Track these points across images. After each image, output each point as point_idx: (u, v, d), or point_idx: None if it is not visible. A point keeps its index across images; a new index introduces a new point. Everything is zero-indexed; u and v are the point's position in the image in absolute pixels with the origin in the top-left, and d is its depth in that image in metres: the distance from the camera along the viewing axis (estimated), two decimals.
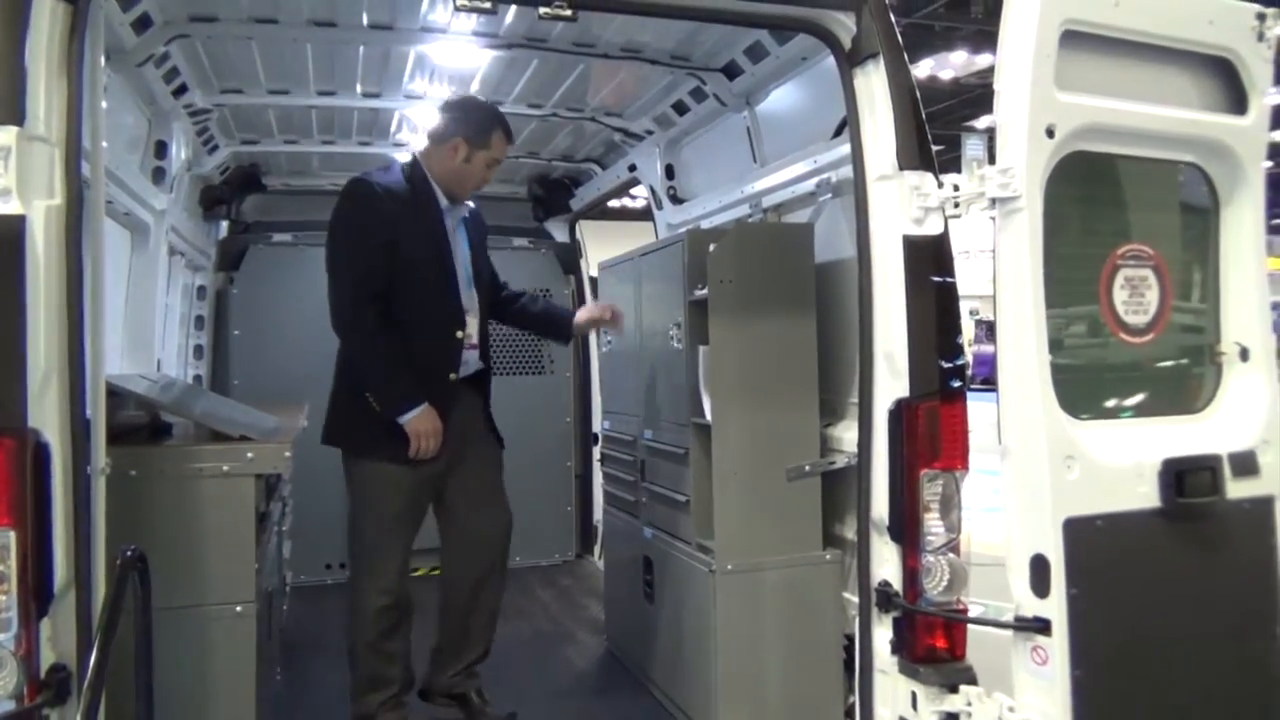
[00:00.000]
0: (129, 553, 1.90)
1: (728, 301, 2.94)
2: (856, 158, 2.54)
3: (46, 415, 1.94)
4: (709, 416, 2.99)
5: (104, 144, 2.66)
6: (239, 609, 2.53)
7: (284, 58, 3.53)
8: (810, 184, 3.17)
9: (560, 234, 6.00)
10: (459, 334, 3.07)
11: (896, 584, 2.51)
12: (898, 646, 2.49)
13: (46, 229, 1.95)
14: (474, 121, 3.10)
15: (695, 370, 3.06)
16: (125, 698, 2.29)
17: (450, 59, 3.61)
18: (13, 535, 1.87)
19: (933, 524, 2.51)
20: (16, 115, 1.91)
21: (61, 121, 2.00)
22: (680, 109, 3.97)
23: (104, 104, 2.38)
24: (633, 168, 4.63)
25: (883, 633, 2.53)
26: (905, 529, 2.48)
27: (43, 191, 1.95)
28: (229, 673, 2.52)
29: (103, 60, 2.62)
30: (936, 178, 2.44)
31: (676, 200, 4.38)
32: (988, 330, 19.21)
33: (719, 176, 3.97)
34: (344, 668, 3.96)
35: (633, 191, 5.39)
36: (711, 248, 2.98)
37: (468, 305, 3.15)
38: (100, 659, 1.72)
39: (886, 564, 2.53)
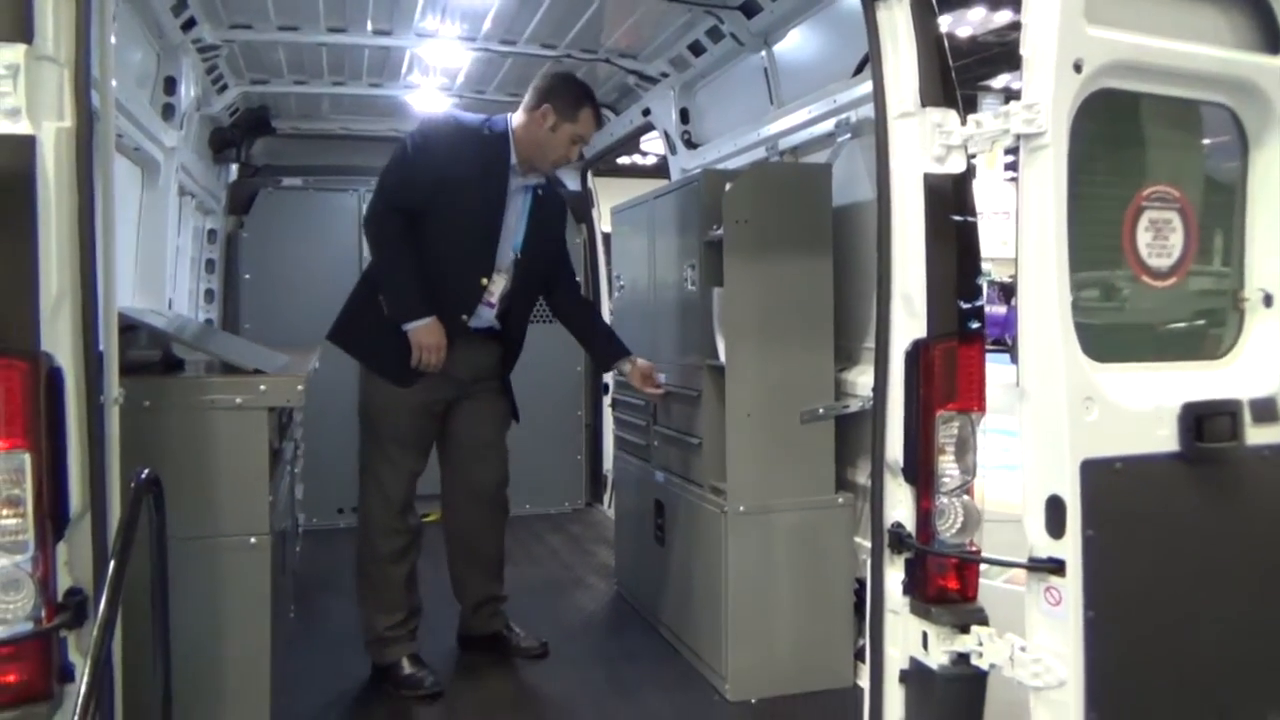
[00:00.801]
0: (143, 476, 1.88)
1: (743, 242, 2.91)
2: (878, 94, 2.48)
3: (59, 340, 1.92)
4: (723, 358, 2.97)
5: (113, 78, 2.63)
6: (253, 540, 2.54)
7: None
8: (829, 124, 3.11)
9: (572, 183, 5.94)
10: (483, 281, 3.11)
11: (910, 526, 2.50)
12: (909, 587, 2.49)
13: (57, 151, 1.91)
14: (567, 94, 3.14)
15: (710, 312, 3.04)
16: (142, 622, 2.32)
17: None
18: (27, 458, 1.87)
19: (947, 466, 2.49)
20: (25, 33, 1.86)
21: (70, 42, 1.96)
22: (696, 50, 3.90)
23: (112, 35, 2.34)
24: (647, 112, 4.56)
25: (894, 574, 2.52)
26: (920, 471, 2.46)
27: (52, 113, 1.91)
28: (244, 603, 2.54)
29: None
30: (960, 115, 2.39)
31: (691, 145, 4.31)
32: (1000, 291, 19.09)
33: (735, 119, 3.90)
34: (353, 609, 4.04)
35: (645, 140, 5.32)
36: (728, 187, 2.93)
37: (500, 265, 3.16)
38: (115, 581, 1.73)
39: (900, 506, 2.52)
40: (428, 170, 3.01)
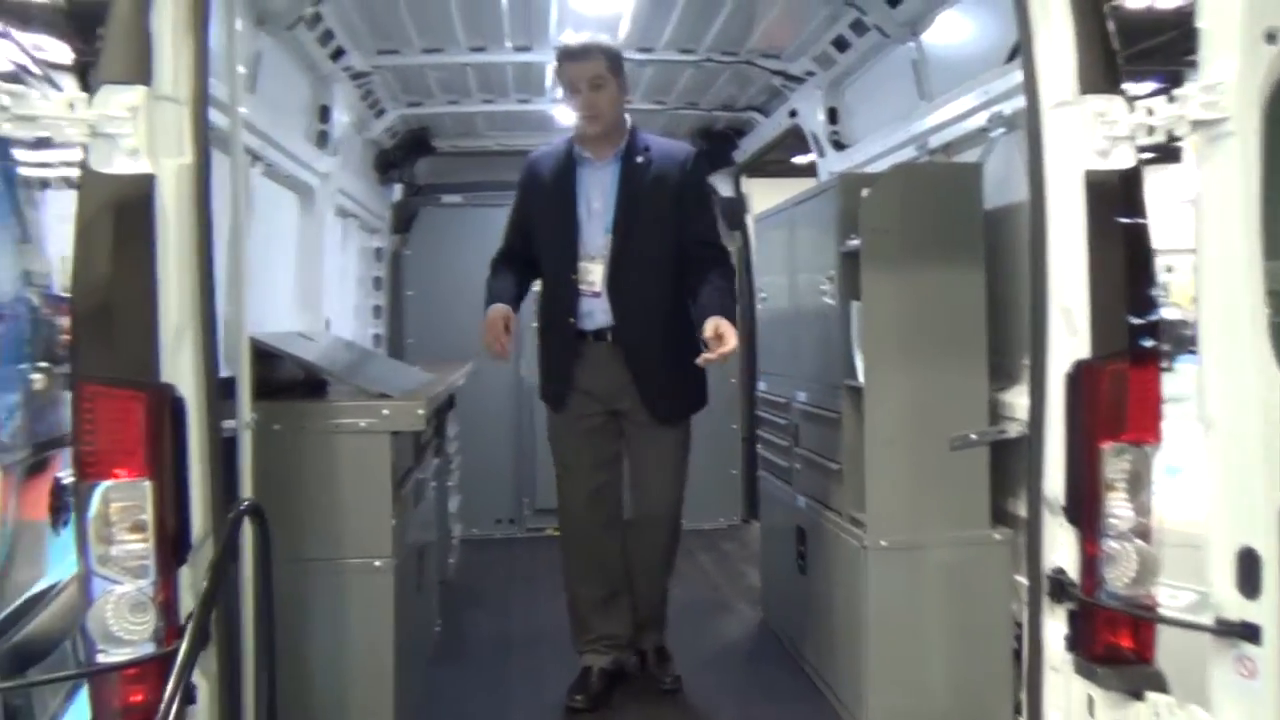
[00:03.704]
0: (244, 506, 1.91)
1: (883, 252, 2.67)
2: (1029, 81, 2.19)
3: (181, 370, 1.97)
4: (861, 378, 2.74)
5: (242, 108, 2.73)
6: (378, 564, 2.56)
7: (430, 13, 3.53)
8: (982, 118, 2.82)
9: (725, 188, 5.80)
10: (572, 276, 3.07)
11: (1073, 572, 2.20)
12: (1073, 642, 2.18)
13: (177, 187, 1.97)
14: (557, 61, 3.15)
15: (848, 328, 2.82)
16: (281, 652, 2.38)
17: (591, 5, 3.48)
18: (149, 485, 1.93)
19: (1117, 505, 2.17)
20: (144, 75, 1.93)
21: (190, 81, 2.02)
22: (841, 45, 3.67)
23: (242, 67, 2.43)
24: (793, 113, 4.35)
25: (1055, 625, 2.23)
26: (1084, 510, 2.16)
27: (172, 150, 1.96)
28: (368, 625, 2.56)
29: (239, 22, 2.68)
30: (1127, 102, 2.08)
31: (840, 146, 4.08)
32: None
33: (884, 117, 3.64)
34: (503, 618, 4.08)
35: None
36: (865, 192, 2.71)
37: (592, 251, 3.07)
38: (203, 608, 1.75)
39: (1061, 548, 2.22)
40: (519, 208, 3.29)
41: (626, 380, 3.08)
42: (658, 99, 4.87)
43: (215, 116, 2.47)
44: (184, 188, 1.99)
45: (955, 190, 2.70)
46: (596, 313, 3.07)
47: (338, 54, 3.70)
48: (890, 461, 2.70)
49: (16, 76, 2.18)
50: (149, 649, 1.94)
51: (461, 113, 5.01)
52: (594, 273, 3.07)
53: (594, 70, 2.99)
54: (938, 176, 2.89)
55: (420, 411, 2.57)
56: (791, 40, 3.83)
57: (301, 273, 3.93)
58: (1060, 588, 2.20)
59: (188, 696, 2.00)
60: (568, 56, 3.05)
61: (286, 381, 2.88)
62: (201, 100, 2.03)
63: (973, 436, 2.68)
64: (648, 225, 3.05)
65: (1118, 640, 2.17)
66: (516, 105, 4.85)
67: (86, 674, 1.93)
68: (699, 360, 2.86)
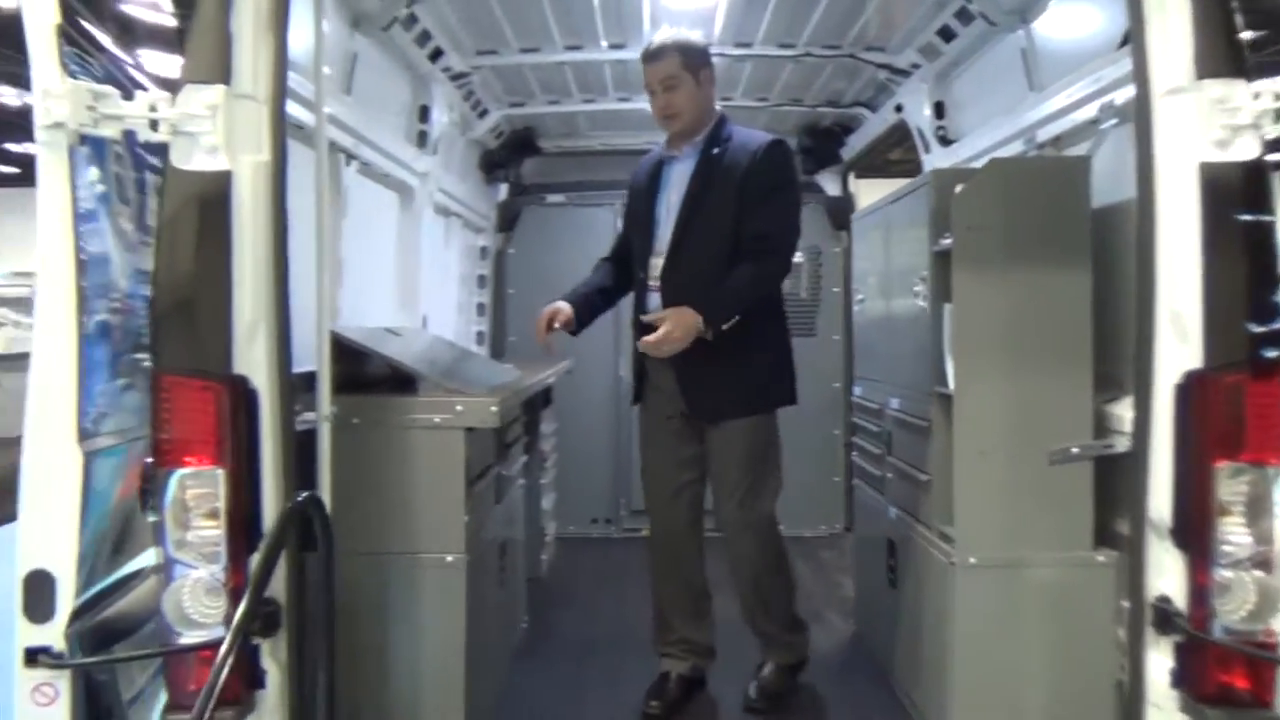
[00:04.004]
0: (300, 499, 1.93)
1: (977, 251, 2.51)
2: (1139, 66, 2.01)
3: (254, 363, 2.02)
4: (951, 385, 2.59)
5: (337, 108, 2.79)
6: (450, 559, 2.58)
7: (524, 12, 3.55)
8: (1091, 109, 2.62)
9: (832, 187, 5.64)
10: (642, 273, 3.10)
11: (1180, 601, 2.01)
12: (1180, 678, 1.99)
13: (254, 184, 2.01)
14: None
15: (940, 332, 2.66)
16: (356, 643, 2.43)
17: (683, 1, 3.43)
18: (221, 474, 1.98)
19: (1233, 531, 1.97)
20: (224, 75, 1.98)
21: (269, 79, 2.07)
22: (947, 35, 3.49)
23: (329, 68, 2.48)
24: (899, 108, 4.18)
25: (1160, 659, 2.03)
26: (1193, 535, 1.97)
27: (250, 148, 2.01)
28: (441, 619, 2.58)
29: (331, 23, 2.73)
30: (1250, 85, 1.87)
31: (946, 142, 3.89)
32: None
33: (993, 111, 3.45)
34: (590, 618, 4.06)
35: None
36: (959, 188, 2.55)
37: (660, 246, 3.05)
38: (254, 594, 1.77)
39: (1168, 575, 2.03)
40: (624, 210, 3.39)
41: (675, 378, 3.03)
42: (759, 96, 4.77)
43: (304, 115, 2.56)
44: (260, 184, 2.03)
45: (1059, 186, 2.51)
46: (657, 307, 3.02)
47: (436, 55, 3.76)
48: (982, 474, 2.53)
49: (118, 80, 2.28)
50: (221, 632, 2.00)
51: (563, 113, 5.03)
52: (658, 268, 3.05)
53: (666, 70, 2.99)
54: (1040, 171, 2.70)
55: (493, 409, 2.56)
56: (895, 31, 3.67)
57: (400, 270, 4.02)
58: (1165, 618, 2.01)
59: (257, 681, 2.06)
60: (644, 59, 3.09)
61: (377, 377, 2.93)
62: (280, 99, 2.06)
63: (1074, 450, 2.49)
64: (708, 218, 2.98)
65: (1231, 679, 1.97)
66: (616, 104, 4.84)
67: (162, 654, 1.99)
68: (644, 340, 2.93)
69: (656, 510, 3.23)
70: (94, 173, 2.08)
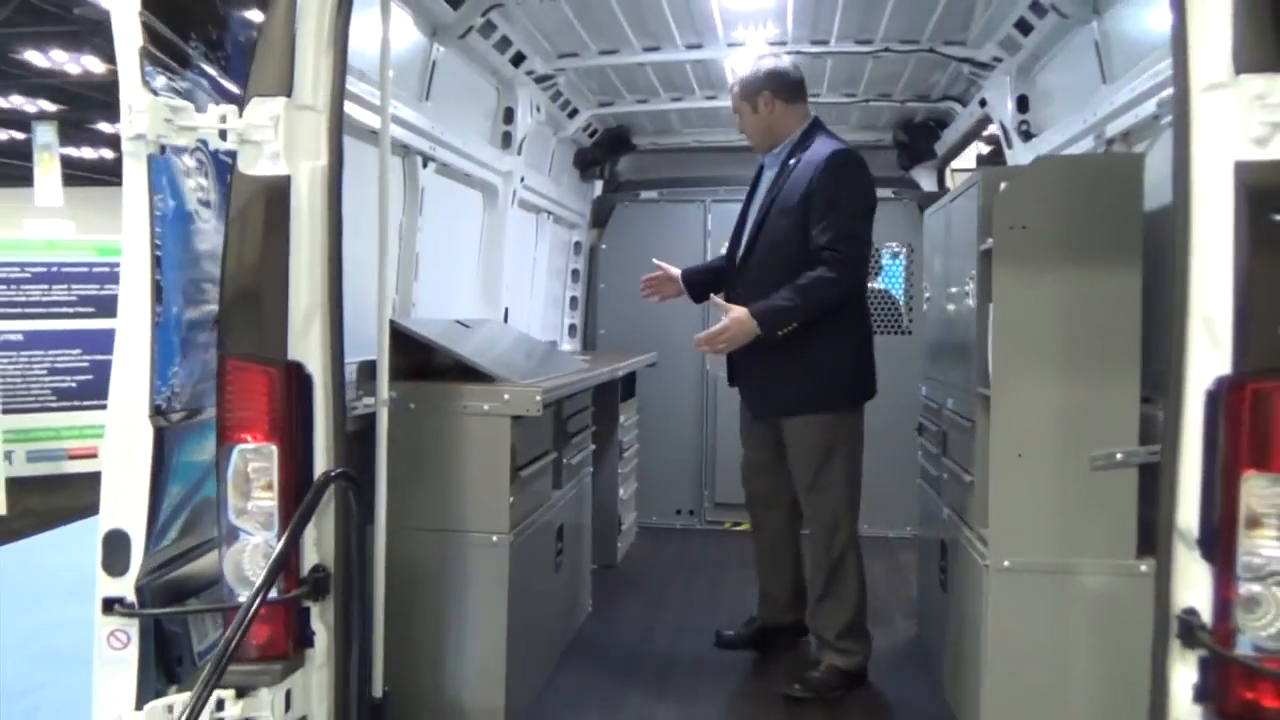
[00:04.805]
0: (333, 472, 2.10)
1: (1018, 252, 2.46)
2: (1179, 62, 1.95)
3: (309, 350, 2.21)
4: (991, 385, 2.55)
5: (400, 112, 2.97)
6: (495, 539, 2.73)
7: (597, 17, 3.65)
8: (1150, 104, 2.52)
9: (928, 183, 5.53)
10: (729, 272, 3.33)
11: (1205, 614, 1.95)
12: (1202, 693, 1.94)
13: (311, 186, 2.19)
14: None
15: (985, 332, 2.63)
16: (410, 612, 2.61)
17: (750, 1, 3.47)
18: (275, 450, 2.18)
19: (1262, 544, 1.89)
20: (286, 87, 2.18)
21: (328, 92, 2.25)
22: (1024, 28, 3.40)
23: (392, 72, 2.65)
24: (983, 103, 4.08)
25: (1184, 672, 1.97)
26: (1220, 545, 1.91)
27: (309, 154, 2.20)
28: (484, 595, 2.73)
29: (402, 34, 2.91)
30: None
31: (1028, 137, 3.78)
32: None
33: (1072, 105, 3.34)
34: (656, 607, 4.16)
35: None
36: (1001, 187, 2.51)
37: (740, 249, 3.28)
38: (274, 568, 1.95)
39: (1195, 587, 1.97)
40: None
41: (752, 369, 3.27)
42: (846, 91, 4.74)
43: (371, 119, 2.75)
44: (318, 187, 2.21)
45: (1110, 184, 2.43)
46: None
47: (519, 59, 3.92)
48: (1019, 476, 2.49)
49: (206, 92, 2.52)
50: (273, 593, 2.20)
51: (654, 111, 5.11)
52: (736, 263, 3.30)
53: (733, 106, 3.37)
54: (1089, 170, 2.61)
55: (537, 398, 2.69)
56: (973, 25, 3.59)
57: (484, 265, 4.22)
58: (1190, 631, 1.96)
59: (306, 641, 2.26)
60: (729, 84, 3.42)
61: (446, 366, 3.10)
62: (338, 109, 2.25)
63: (1119, 456, 2.40)
64: (777, 227, 3.16)
65: (1257, 697, 1.90)
66: (704, 102, 4.90)
67: (221, 609, 2.20)
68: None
69: (747, 482, 3.49)
70: (196, 179, 2.33)
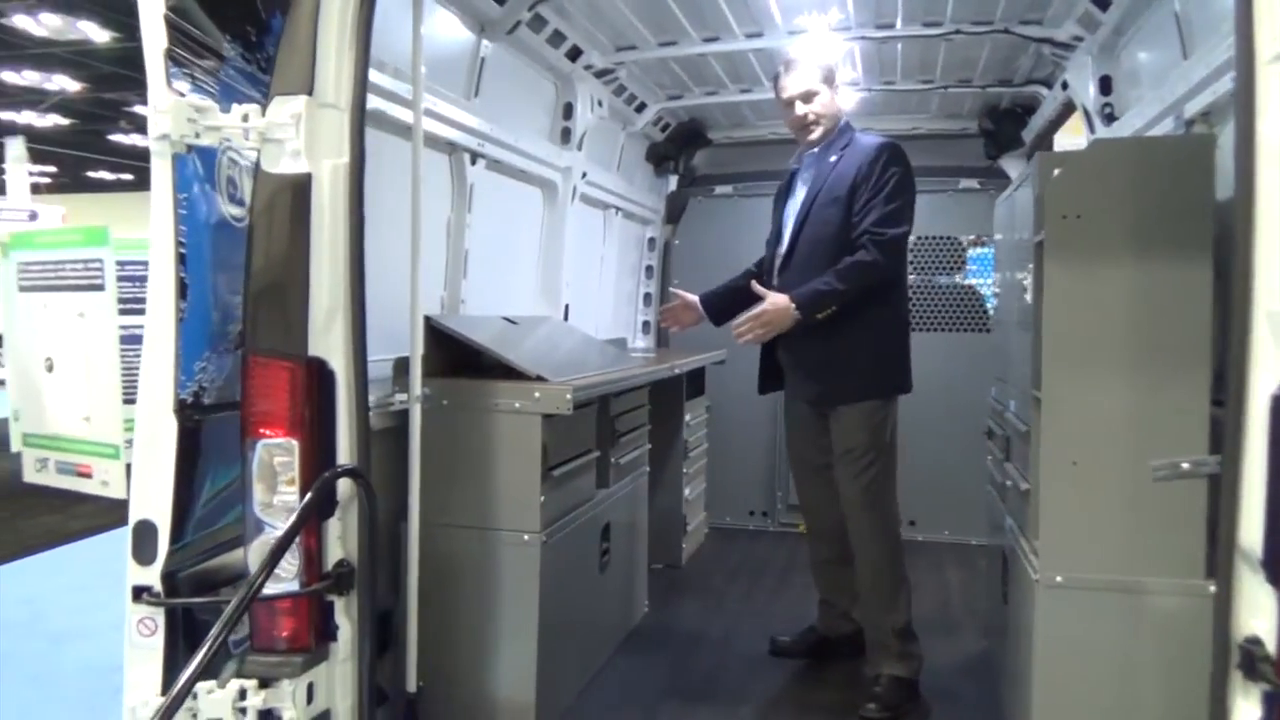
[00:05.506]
0: (341, 469, 2.10)
1: (1072, 243, 2.27)
2: (1241, 30, 1.76)
3: (331, 346, 2.22)
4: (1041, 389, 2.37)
5: (436, 107, 2.97)
6: (525, 537, 2.70)
7: (652, 8, 3.58)
8: (1228, 80, 2.29)
9: (1016, 173, 5.24)
10: (767, 278, 3.30)
11: (1270, 644, 1.75)
12: None
13: (333, 183, 2.20)
14: None
15: (1039, 330, 2.44)
16: (443, 608, 2.60)
17: None
18: (296, 444, 2.20)
19: None
20: (307, 86, 2.19)
21: (350, 90, 2.25)
22: (1103, 3, 3.16)
23: (425, 74, 2.65)
24: (1065, 85, 3.83)
25: (1247, 707, 1.79)
26: None
27: (331, 152, 2.20)
28: (516, 593, 2.71)
29: (443, 30, 2.89)
30: None
31: (1111, 119, 3.52)
32: None
33: (1155, 84, 3.08)
34: (714, 609, 4.08)
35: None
36: (1055, 173, 2.32)
37: (780, 251, 3.27)
38: (271, 560, 1.95)
39: (1260, 613, 1.78)
40: None
41: (792, 362, 3.28)
42: (922, 78, 4.53)
43: (405, 115, 2.76)
44: (339, 184, 2.21)
45: (1176, 169, 2.22)
46: None
47: (575, 54, 3.88)
48: (1073, 486, 2.30)
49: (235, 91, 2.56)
50: (294, 586, 2.23)
51: (725, 103, 5.01)
52: (776, 269, 3.28)
53: (805, 83, 3.24)
54: (1153, 153, 2.38)
55: (568, 396, 2.65)
56: (1050, 1, 3.37)
57: (543, 263, 4.20)
58: (1252, 662, 1.77)
59: (330, 634, 2.28)
60: (780, 74, 3.35)
61: (491, 364, 3.09)
62: (359, 107, 2.25)
63: (1184, 465, 2.19)
64: (821, 221, 3.14)
65: None
66: (772, 94, 4.75)
67: (243, 600, 2.24)
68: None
69: (800, 490, 3.49)
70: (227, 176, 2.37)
